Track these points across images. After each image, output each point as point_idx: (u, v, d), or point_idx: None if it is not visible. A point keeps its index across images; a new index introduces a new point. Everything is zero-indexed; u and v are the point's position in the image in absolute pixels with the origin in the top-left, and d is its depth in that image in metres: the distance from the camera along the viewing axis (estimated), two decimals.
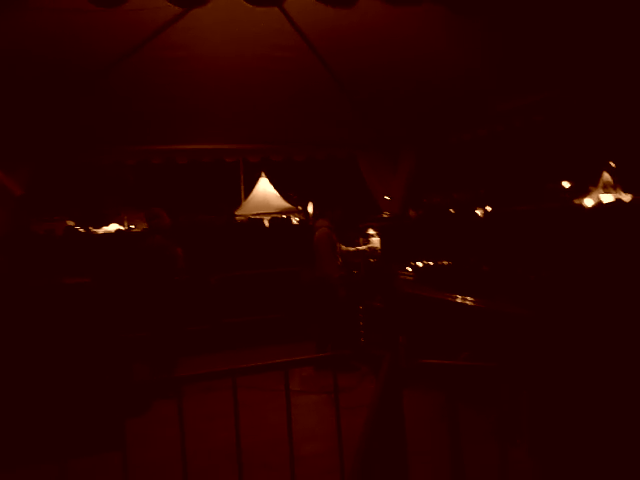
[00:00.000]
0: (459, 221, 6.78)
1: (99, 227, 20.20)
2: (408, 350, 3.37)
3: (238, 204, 23.75)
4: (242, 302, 8.47)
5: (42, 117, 5.89)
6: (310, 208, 25.27)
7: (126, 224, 24.12)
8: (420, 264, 6.48)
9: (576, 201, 5.24)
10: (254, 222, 13.91)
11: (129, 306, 6.17)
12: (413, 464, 2.84)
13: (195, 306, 6.78)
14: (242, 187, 25.28)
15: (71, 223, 17.68)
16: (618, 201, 4.78)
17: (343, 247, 7.53)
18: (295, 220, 22.20)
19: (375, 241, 8.05)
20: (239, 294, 8.53)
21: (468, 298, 5.08)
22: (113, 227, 20.36)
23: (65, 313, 4.50)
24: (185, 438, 2.72)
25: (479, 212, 6.47)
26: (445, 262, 6.38)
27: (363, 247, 8.13)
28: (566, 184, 5.86)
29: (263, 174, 22.60)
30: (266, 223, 11.52)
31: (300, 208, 24.79)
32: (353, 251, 7.82)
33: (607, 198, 4.89)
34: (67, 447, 2.61)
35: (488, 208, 6.30)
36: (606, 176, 5.13)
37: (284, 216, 21.21)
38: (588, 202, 5.00)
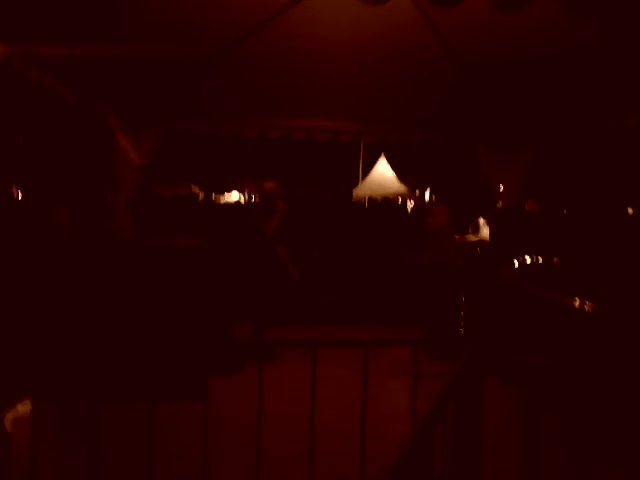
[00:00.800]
0: (581, 220, 6.40)
1: (222, 193, 21.24)
2: (494, 343, 3.27)
3: (355, 183, 23.88)
4: (345, 280, 8.56)
5: (170, 90, 6.29)
6: (427, 194, 24.90)
7: (246, 193, 25.12)
8: (528, 259, 6.22)
9: None
10: (369, 202, 14.00)
11: (236, 270, 6.45)
12: (486, 463, 2.78)
13: (298, 277, 6.93)
14: (360, 167, 25.36)
15: (196, 189, 18.77)
16: None
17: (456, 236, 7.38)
18: (410, 204, 22.00)
19: (485, 232, 7.81)
20: (342, 271, 8.62)
21: (573, 300, 4.81)
22: (234, 196, 21.35)
23: (174, 271, 4.82)
24: (268, 402, 2.85)
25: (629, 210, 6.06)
26: (555, 260, 6.07)
27: (473, 238, 7.93)
28: None
29: (383, 155, 22.49)
30: (380, 204, 11.55)
31: (417, 193, 24.51)
32: (461, 240, 7.65)
33: None
34: (157, 391, 2.81)
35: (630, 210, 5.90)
36: None
37: (399, 199, 21.11)
38: None
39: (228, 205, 10.84)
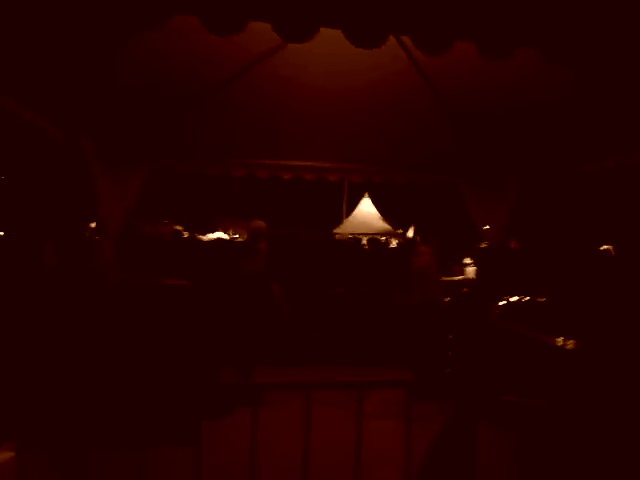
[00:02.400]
0: (566, 257, 6.47)
1: (205, 234, 21.16)
2: (484, 384, 3.26)
3: (339, 222, 24.00)
4: (329, 319, 8.51)
5: (159, 126, 6.32)
6: (410, 232, 25.06)
7: (231, 233, 25.07)
8: (515, 298, 6.24)
9: None
10: (352, 241, 14.02)
11: (222, 311, 6.39)
12: None
13: (283, 317, 6.88)
14: (344, 206, 25.53)
15: (179, 228, 18.67)
16: None
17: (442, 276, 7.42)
18: (394, 243, 22.12)
19: (470, 271, 7.86)
20: (327, 311, 8.58)
21: (561, 340, 4.82)
22: (218, 235, 21.27)
23: (161, 312, 4.76)
24: (258, 446, 2.78)
25: (607, 248, 6.15)
26: (542, 299, 6.10)
27: (458, 277, 7.96)
28: None
29: (366, 194, 22.75)
30: (364, 243, 11.58)
31: (401, 231, 24.66)
32: (447, 279, 7.68)
33: None
34: (148, 436, 2.75)
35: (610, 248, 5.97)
36: None
37: (383, 238, 21.21)
38: None
39: (212, 243, 10.77)
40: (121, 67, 4.87)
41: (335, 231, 21.68)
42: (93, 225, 9.60)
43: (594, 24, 2.87)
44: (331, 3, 2.74)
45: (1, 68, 4.20)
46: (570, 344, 4.78)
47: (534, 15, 2.87)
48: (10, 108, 4.57)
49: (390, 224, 22.85)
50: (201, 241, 11.45)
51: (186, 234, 13.76)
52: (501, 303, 6.26)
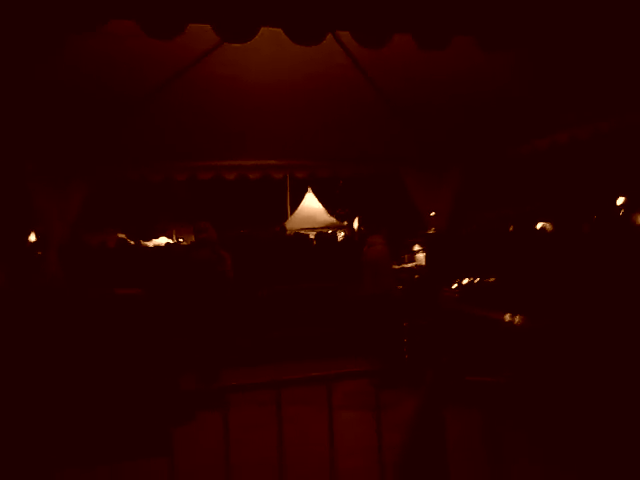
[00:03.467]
0: (508, 237, 6.68)
1: (149, 240, 20.78)
2: (450, 368, 3.34)
3: (284, 219, 24.03)
4: (289, 316, 8.54)
5: (96, 136, 6.14)
6: (356, 224, 25.35)
7: (175, 237, 24.69)
8: (465, 281, 6.42)
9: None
10: (300, 237, 14.04)
11: (178, 317, 6.32)
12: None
13: (242, 318, 6.86)
14: (288, 202, 25.57)
15: (122, 236, 18.25)
16: None
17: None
18: (340, 235, 22.32)
19: (420, 257, 8.01)
20: (286, 308, 8.60)
21: (512, 316, 5.01)
22: (162, 240, 20.93)
23: (115, 323, 4.65)
24: (228, 447, 2.78)
25: (544, 225, 6.39)
26: (491, 279, 6.31)
27: (409, 264, 8.10)
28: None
29: (309, 189, 22.83)
30: (312, 238, 11.62)
31: (346, 223, 24.88)
32: (399, 267, 7.80)
33: None
34: (117, 451, 2.70)
35: (547, 225, 6.21)
36: None
37: (330, 231, 21.37)
38: None
39: (161, 249, 10.59)
40: (53, 76, 4.70)
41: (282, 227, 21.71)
42: (33, 239, 9.27)
43: (526, 9, 2.98)
44: (270, 2, 2.74)
45: None
46: (518, 320, 4.98)
47: (468, 3, 2.96)
48: None
49: (335, 217, 23.04)
50: (148, 248, 11.23)
51: (131, 241, 13.47)
52: (453, 286, 6.44)
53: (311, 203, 22.62)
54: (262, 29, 2.86)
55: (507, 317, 5.20)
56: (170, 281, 7.01)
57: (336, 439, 3.39)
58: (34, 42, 3.82)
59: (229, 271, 6.49)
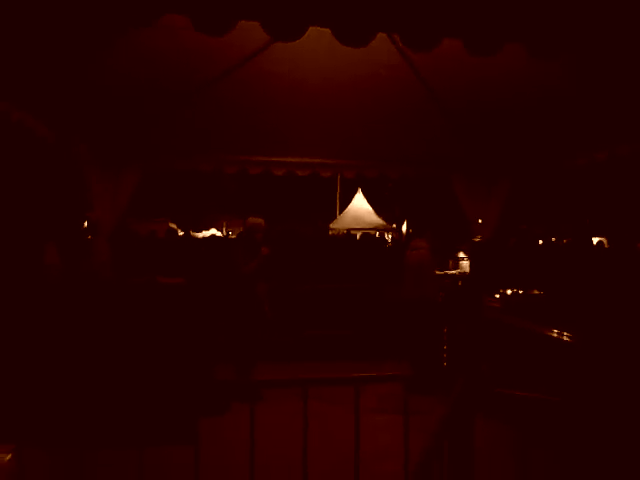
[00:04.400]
0: (558, 251, 6.49)
1: (199, 231, 21.17)
2: (483, 377, 3.27)
3: (333, 217, 24.06)
4: (327, 315, 8.53)
5: (151, 125, 6.30)
6: (404, 226, 25.14)
7: (225, 230, 25.08)
8: (509, 292, 6.28)
9: None
10: (346, 236, 14.04)
11: (217, 308, 6.40)
12: None
13: (280, 314, 6.90)
14: (338, 201, 25.60)
15: (173, 226, 18.64)
16: None
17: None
18: (388, 237, 22.18)
19: (464, 265, 7.88)
20: (325, 306, 8.60)
21: (556, 331, 4.86)
22: (212, 232, 21.29)
23: (156, 310, 4.77)
24: (257, 442, 2.80)
25: (600, 240, 6.19)
26: (536, 292, 6.14)
27: (453, 271, 7.98)
28: None
29: (359, 190, 22.79)
30: (359, 238, 11.60)
31: (394, 226, 24.71)
32: (442, 273, 7.70)
33: None
34: (147, 435, 2.76)
35: (603, 240, 6.01)
36: None
37: (377, 233, 21.28)
38: None
39: (206, 240, 10.75)
40: (111, 67, 4.85)
41: (330, 226, 21.75)
42: (86, 225, 9.58)
43: (578, 17, 2.89)
44: (319, 2, 2.75)
45: None
46: (563, 336, 4.83)
47: (519, 10, 2.89)
48: (14, 118, 4.57)
49: (383, 219, 22.91)
50: (196, 238, 11.45)
51: (180, 232, 13.74)
52: (496, 296, 6.30)
53: (360, 203, 22.57)
54: (312, 28, 2.89)
55: (552, 332, 5.05)
56: (214, 272, 7.10)
57: (366, 443, 3.37)
58: (95, 35, 3.97)
59: (249, 267, 6.39)
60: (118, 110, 5.82)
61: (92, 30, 3.73)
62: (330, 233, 19.59)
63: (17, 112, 4.83)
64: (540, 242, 11.15)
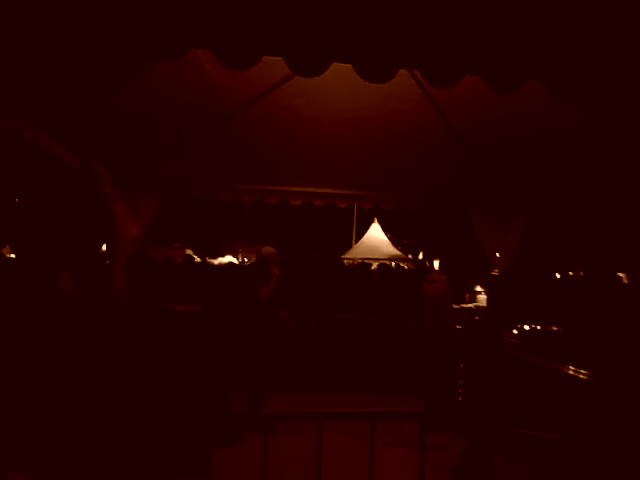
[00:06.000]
0: (577, 286, 6.42)
1: (215, 258, 21.27)
2: (501, 416, 3.22)
3: (349, 247, 24.07)
4: (341, 345, 8.48)
5: (170, 156, 6.41)
6: (420, 257, 25.06)
7: (241, 257, 25.16)
8: (527, 327, 6.20)
9: None
10: (361, 266, 14.02)
11: (232, 337, 6.39)
12: None
13: (294, 344, 6.89)
14: (354, 231, 25.64)
15: (189, 252, 18.75)
16: None
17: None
18: (405, 268, 22.10)
19: (482, 298, 7.81)
20: (339, 337, 8.56)
21: (576, 369, 4.78)
22: (228, 259, 21.39)
23: (173, 338, 4.77)
24: (271, 476, 2.77)
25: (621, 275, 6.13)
26: (555, 328, 6.06)
27: (469, 304, 7.92)
28: None
29: (375, 220, 22.85)
30: (374, 268, 11.56)
31: (410, 257, 24.65)
32: (458, 307, 7.64)
33: None
34: (161, 466, 2.74)
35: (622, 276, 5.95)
36: None
37: (393, 264, 21.23)
38: None
39: (222, 267, 10.79)
40: (134, 96, 4.97)
41: (344, 256, 21.73)
42: (103, 249, 9.64)
43: (598, 56, 2.92)
44: (342, 39, 2.80)
45: (19, 96, 4.30)
46: (583, 374, 4.74)
47: (540, 48, 2.92)
48: (27, 134, 4.67)
49: (400, 250, 22.89)
50: (212, 265, 11.50)
51: (197, 258, 13.82)
52: (514, 331, 6.22)
53: (376, 234, 22.59)
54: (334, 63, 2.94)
55: (571, 370, 4.96)
56: (227, 301, 7.11)
57: (380, 477, 3.32)
58: (122, 65, 4.07)
59: (264, 292, 6.45)
60: (141, 138, 5.93)
61: (118, 61, 3.83)
62: (345, 263, 19.57)
63: (45, 138, 4.94)
64: (558, 276, 11.07)
